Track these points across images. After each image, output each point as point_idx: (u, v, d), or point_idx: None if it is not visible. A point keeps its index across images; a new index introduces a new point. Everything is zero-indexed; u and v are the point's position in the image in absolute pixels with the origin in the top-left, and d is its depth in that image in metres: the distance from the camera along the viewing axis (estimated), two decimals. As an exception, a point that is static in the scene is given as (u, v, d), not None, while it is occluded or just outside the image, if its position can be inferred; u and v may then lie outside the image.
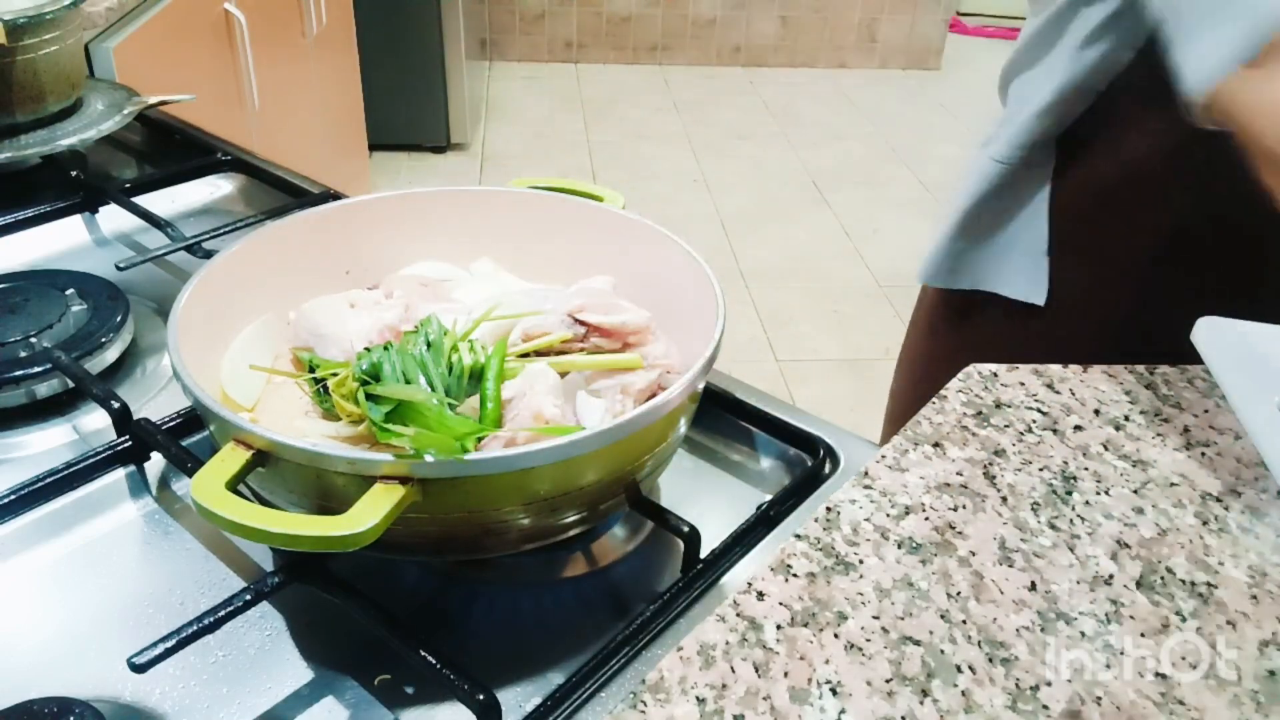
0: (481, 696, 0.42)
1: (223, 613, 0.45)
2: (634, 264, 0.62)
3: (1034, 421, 0.54)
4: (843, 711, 0.38)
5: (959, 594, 0.44)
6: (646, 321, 0.57)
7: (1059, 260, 0.74)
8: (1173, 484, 0.50)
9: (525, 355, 0.55)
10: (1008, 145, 0.74)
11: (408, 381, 0.48)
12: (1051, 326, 0.76)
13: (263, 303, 0.60)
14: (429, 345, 0.51)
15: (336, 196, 0.83)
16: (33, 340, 0.67)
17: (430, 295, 0.61)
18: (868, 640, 0.41)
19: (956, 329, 0.84)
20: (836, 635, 0.42)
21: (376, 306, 0.57)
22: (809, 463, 0.59)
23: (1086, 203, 0.73)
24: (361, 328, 0.55)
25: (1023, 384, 0.58)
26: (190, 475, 0.55)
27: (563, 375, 0.53)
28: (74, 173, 0.92)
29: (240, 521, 0.41)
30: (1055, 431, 0.54)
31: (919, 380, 0.88)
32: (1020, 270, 0.77)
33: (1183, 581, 0.45)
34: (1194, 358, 0.56)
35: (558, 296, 0.58)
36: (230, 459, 0.43)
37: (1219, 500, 0.49)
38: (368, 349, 0.51)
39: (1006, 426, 0.54)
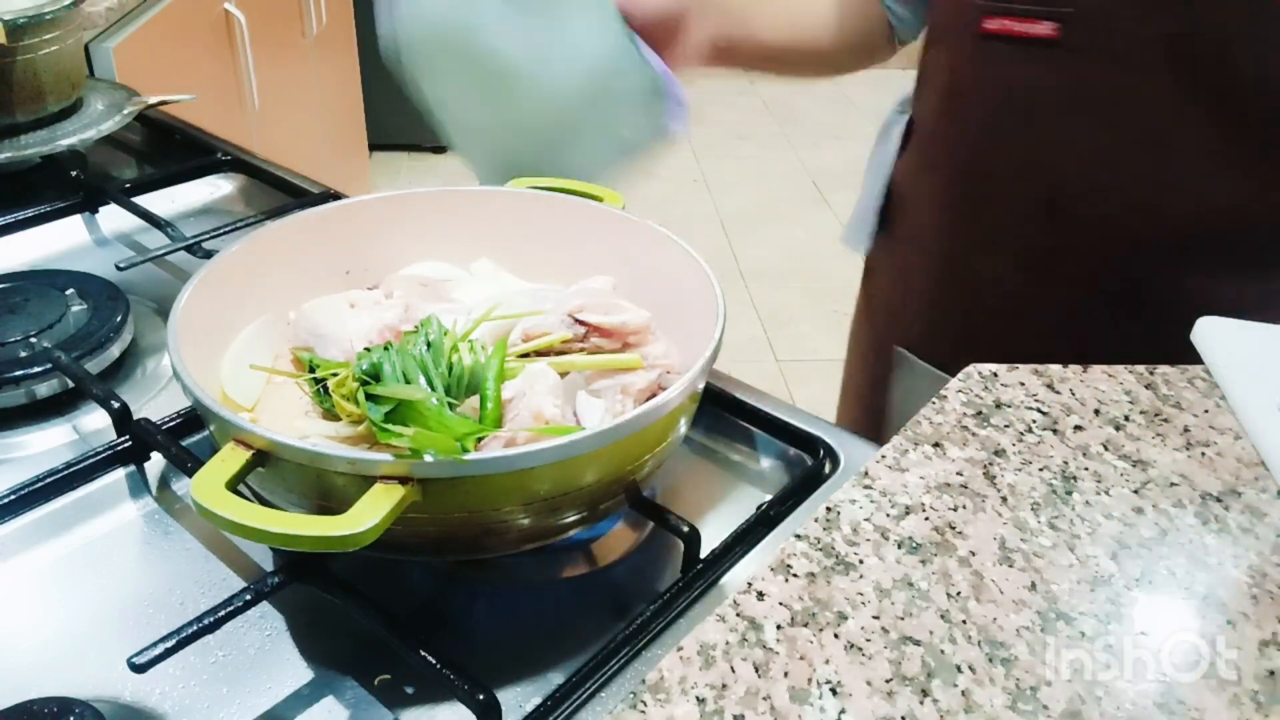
0: (481, 696, 0.42)
1: (223, 613, 0.45)
2: (634, 264, 0.62)
3: (1034, 421, 0.54)
4: (843, 711, 0.38)
5: (959, 594, 0.44)
6: (646, 321, 0.57)
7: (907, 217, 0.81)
8: (1173, 484, 0.50)
9: (525, 355, 0.55)
10: (895, 100, 0.82)
11: (408, 381, 0.48)
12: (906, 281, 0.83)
13: (263, 302, 0.60)
14: (429, 345, 0.51)
15: (337, 196, 0.83)
16: (33, 340, 0.67)
17: (430, 295, 0.61)
18: (868, 640, 0.41)
19: (863, 293, 0.91)
20: (836, 635, 0.42)
21: (376, 307, 0.57)
22: (809, 463, 0.59)
23: (915, 166, 0.79)
24: (361, 328, 0.55)
25: (1023, 384, 0.58)
26: (190, 475, 0.55)
27: (562, 375, 0.53)
28: (74, 173, 0.92)
29: (240, 521, 0.41)
30: (1055, 431, 0.54)
31: (848, 353, 0.95)
32: (860, 217, 0.84)
33: (1183, 581, 0.45)
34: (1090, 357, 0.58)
35: (557, 296, 0.58)
36: (230, 459, 0.43)
37: (1219, 500, 0.49)
38: (368, 349, 0.51)
39: (1006, 426, 0.54)
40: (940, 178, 0.75)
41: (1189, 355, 0.63)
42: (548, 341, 0.55)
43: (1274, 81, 0.61)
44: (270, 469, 0.45)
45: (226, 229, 0.82)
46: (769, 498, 0.56)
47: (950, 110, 0.73)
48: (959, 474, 0.51)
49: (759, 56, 0.79)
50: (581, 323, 0.55)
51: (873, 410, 0.88)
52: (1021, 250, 0.71)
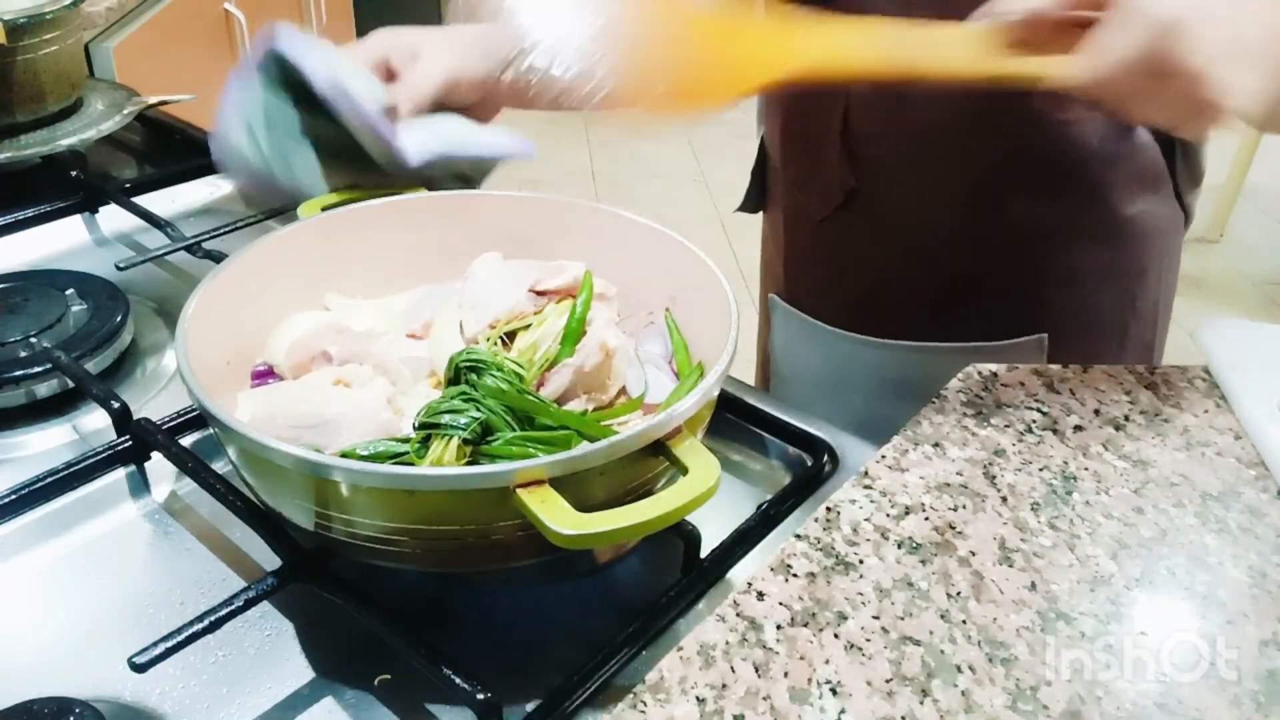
0: (481, 696, 0.42)
1: (223, 613, 0.45)
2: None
3: (1034, 421, 0.54)
4: (843, 711, 0.38)
5: (959, 594, 0.44)
6: (581, 269, 0.60)
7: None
8: (1173, 484, 0.50)
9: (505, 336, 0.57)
10: None
11: (494, 424, 0.49)
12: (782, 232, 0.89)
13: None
14: (496, 376, 0.51)
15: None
16: (33, 340, 0.67)
17: (356, 339, 0.58)
18: (868, 640, 0.41)
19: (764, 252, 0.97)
20: (836, 635, 0.42)
21: (370, 381, 0.55)
22: (809, 463, 0.59)
23: (768, 129, 0.85)
24: (368, 406, 0.52)
25: (1023, 384, 0.58)
26: (190, 475, 0.55)
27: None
28: (74, 173, 0.92)
29: (620, 526, 0.41)
30: (1055, 431, 0.54)
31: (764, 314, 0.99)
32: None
33: (1183, 581, 0.45)
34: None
35: (509, 280, 0.60)
36: (545, 495, 0.42)
37: (1219, 500, 0.49)
38: (435, 413, 0.49)
39: (1006, 426, 0.54)
40: (775, 137, 0.83)
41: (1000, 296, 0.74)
42: (524, 321, 0.58)
43: None
44: None
45: (226, 229, 0.82)
46: (769, 498, 0.56)
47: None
48: (959, 474, 0.51)
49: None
50: (543, 292, 0.59)
51: (763, 357, 0.94)
52: (832, 195, 0.77)
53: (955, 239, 0.74)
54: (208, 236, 0.80)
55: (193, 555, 0.55)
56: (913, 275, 0.77)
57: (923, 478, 0.50)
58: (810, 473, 0.58)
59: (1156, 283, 0.79)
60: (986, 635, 0.42)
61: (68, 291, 0.72)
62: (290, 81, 0.64)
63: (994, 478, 0.50)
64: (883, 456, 0.52)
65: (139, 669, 0.43)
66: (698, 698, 0.39)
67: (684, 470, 0.44)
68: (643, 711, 0.38)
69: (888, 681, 0.40)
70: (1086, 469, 0.51)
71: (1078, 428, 0.54)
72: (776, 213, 0.88)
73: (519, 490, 0.42)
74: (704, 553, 0.52)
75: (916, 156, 0.72)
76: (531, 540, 0.42)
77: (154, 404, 0.66)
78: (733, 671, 0.40)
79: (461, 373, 0.51)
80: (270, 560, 0.51)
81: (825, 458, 0.59)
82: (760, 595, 0.44)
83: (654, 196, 3.14)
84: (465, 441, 0.47)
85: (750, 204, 0.92)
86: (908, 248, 0.76)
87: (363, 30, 2.79)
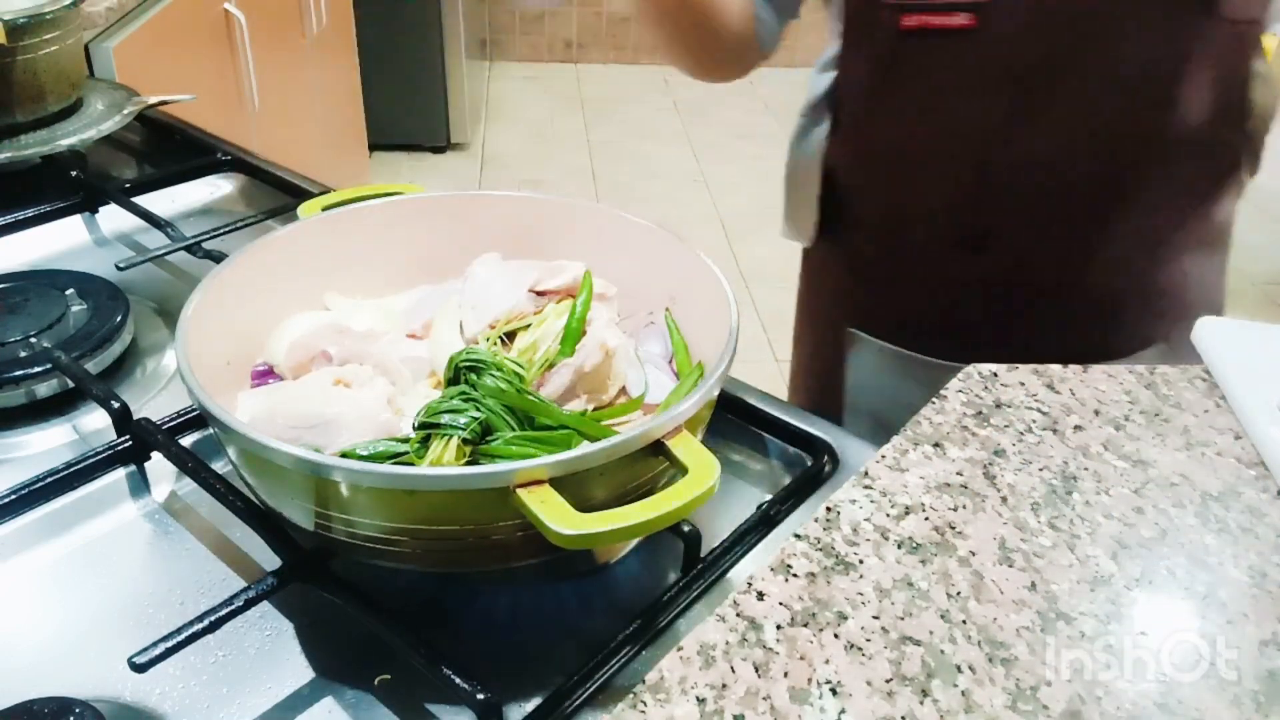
0: (481, 696, 0.42)
1: (223, 613, 0.45)
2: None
3: (1034, 421, 0.54)
4: (843, 711, 0.38)
5: (959, 594, 0.44)
6: (581, 269, 0.61)
7: (844, 205, 0.84)
8: (1173, 484, 0.50)
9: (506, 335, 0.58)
10: (804, 103, 0.85)
11: (498, 418, 0.49)
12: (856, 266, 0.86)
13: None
14: (496, 375, 0.51)
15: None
16: (33, 340, 0.67)
17: (357, 339, 0.58)
18: (868, 640, 0.41)
19: (807, 281, 0.94)
20: (836, 635, 0.42)
21: (370, 381, 0.55)
22: (809, 463, 0.59)
23: (849, 159, 0.82)
24: (368, 407, 0.52)
25: (1023, 384, 0.58)
26: (190, 475, 0.55)
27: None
28: (74, 173, 0.92)
29: (620, 526, 0.41)
30: (1055, 431, 0.54)
31: (797, 339, 0.98)
32: (797, 213, 0.87)
33: (1183, 581, 0.45)
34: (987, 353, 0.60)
35: (509, 280, 0.60)
36: (546, 495, 0.42)
37: (1219, 500, 0.49)
38: (434, 413, 0.49)
39: (1006, 426, 0.54)
40: (876, 167, 0.80)
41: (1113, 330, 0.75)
42: (523, 321, 0.58)
43: (1148, 53, 0.68)
44: None
45: (226, 229, 0.82)
46: (769, 498, 0.56)
47: (876, 103, 0.77)
48: (959, 474, 0.51)
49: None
50: (543, 292, 0.59)
51: (829, 390, 0.92)
52: (957, 234, 0.76)
53: (1085, 266, 0.75)
54: (208, 236, 0.80)
55: (193, 555, 0.55)
56: (1037, 304, 0.77)
57: (923, 478, 0.50)
58: (810, 473, 0.58)
59: (1223, 274, 0.82)
60: (986, 635, 0.42)
61: (68, 291, 0.72)
62: None
63: (994, 478, 0.50)
64: (883, 456, 0.52)
65: (139, 669, 0.43)
66: (698, 698, 0.39)
67: (684, 470, 0.44)
68: (643, 711, 0.38)
69: (888, 681, 0.40)
70: (1086, 469, 0.51)
71: (1078, 428, 0.54)
72: (860, 243, 0.85)
73: (519, 490, 0.42)
74: (704, 553, 0.52)
75: (1049, 194, 0.72)
76: (531, 540, 0.42)
77: (154, 404, 0.66)
78: (733, 671, 0.40)
79: (461, 373, 0.51)
80: (270, 560, 0.51)
81: (825, 458, 0.59)
82: (760, 595, 0.44)
83: (654, 196, 3.14)
84: (465, 441, 0.47)
85: (809, 233, 0.89)
86: (1035, 278, 0.76)
87: (362, 31, 2.78)
